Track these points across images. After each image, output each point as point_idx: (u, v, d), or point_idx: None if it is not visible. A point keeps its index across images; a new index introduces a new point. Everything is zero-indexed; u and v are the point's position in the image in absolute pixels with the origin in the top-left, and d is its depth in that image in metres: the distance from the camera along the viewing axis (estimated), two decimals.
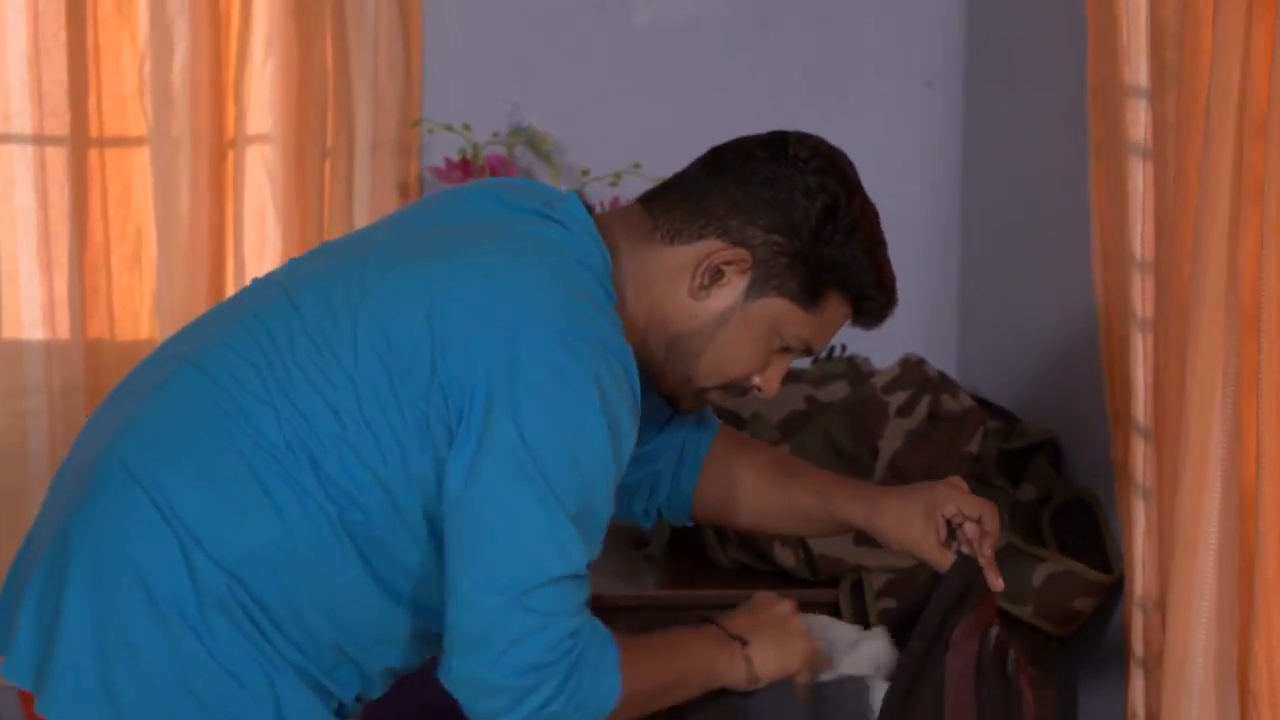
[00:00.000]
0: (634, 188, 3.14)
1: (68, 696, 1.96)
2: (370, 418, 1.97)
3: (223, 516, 1.97)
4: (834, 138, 2.14)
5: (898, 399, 3.22)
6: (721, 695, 2.13)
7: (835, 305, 2.10)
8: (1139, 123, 2.80)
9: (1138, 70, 2.79)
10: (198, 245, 3.41)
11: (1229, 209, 2.40)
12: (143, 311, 3.45)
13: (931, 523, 2.20)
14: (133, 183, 3.44)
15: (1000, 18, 3.53)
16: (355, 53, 3.43)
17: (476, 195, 2.14)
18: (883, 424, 3.20)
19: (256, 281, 2.15)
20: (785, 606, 2.18)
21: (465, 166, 3.42)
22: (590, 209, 2.11)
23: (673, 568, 3.16)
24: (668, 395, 2.15)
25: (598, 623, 2.00)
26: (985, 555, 2.19)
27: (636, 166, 3.39)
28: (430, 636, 2.06)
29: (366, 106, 3.43)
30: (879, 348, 3.36)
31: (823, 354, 3.37)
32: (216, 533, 1.96)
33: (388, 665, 2.07)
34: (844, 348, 3.38)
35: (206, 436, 1.98)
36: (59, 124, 3.37)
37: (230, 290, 3.42)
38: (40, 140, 3.38)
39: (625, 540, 3.21)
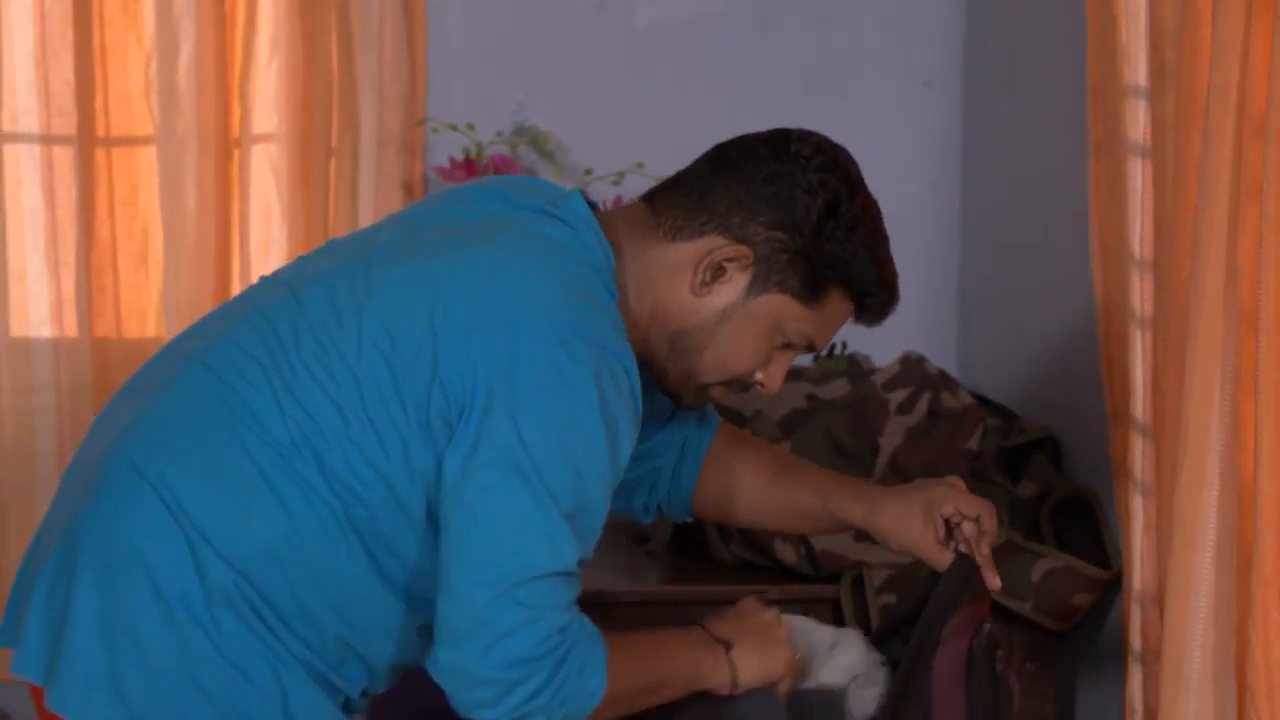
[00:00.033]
0: (636, 187, 3.14)
1: (77, 692, 1.96)
2: (374, 415, 1.97)
3: (229, 513, 1.97)
4: (834, 137, 2.14)
5: (898, 396, 3.22)
6: (703, 697, 2.14)
7: (837, 302, 2.10)
8: (1138, 122, 2.80)
9: (1137, 70, 2.79)
10: (204, 244, 3.41)
11: (1228, 208, 2.40)
12: (149, 310, 3.46)
13: (930, 522, 2.21)
14: (139, 182, 3.44)
15: (1000, 18, 3.53)
16: (360, 53, 3.43)
17: (481, 193, 2.14)
18: (883, 421, 3.20)
19: (263, 279, 2.15)
20: (770, 615, 2.19)
21: (469, 166, 3.42)
22: (594, 206, 2.12)
23: (675, 564, 3.16)
24: (670, 391, 2.15)
25: (586, 620, 2.00)
26: (983, 554, 2.19)
27: (639, 165, 3.39)
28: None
29: (371, 106, 3.43)
30: (879, 346, 3.36)
31: (823, 352, 3.37)
32: (223, 529, 1.96)
33: (393, 660, 2.07)
34: (844, 346, 3.38)
35: (213, 434, 1.98)
36: (66, 124, 3.37)
37: (236, 289, 3.42)
38: (47, 140, 3.38)
39: (628, 536, 3.21)
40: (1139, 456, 2.83)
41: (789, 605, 3.01)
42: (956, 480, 2.23)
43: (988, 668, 2.17)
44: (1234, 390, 2.43)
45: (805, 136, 2.10)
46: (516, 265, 2.00)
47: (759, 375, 2.13)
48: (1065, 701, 3.18)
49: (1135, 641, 2.85)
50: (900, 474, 3.13)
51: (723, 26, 3.60)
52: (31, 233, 3.39)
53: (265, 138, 3.44)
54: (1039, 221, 3.35)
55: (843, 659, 2.19)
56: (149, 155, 3.42)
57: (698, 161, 2.13)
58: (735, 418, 3.24)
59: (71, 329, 3.40)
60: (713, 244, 2.07)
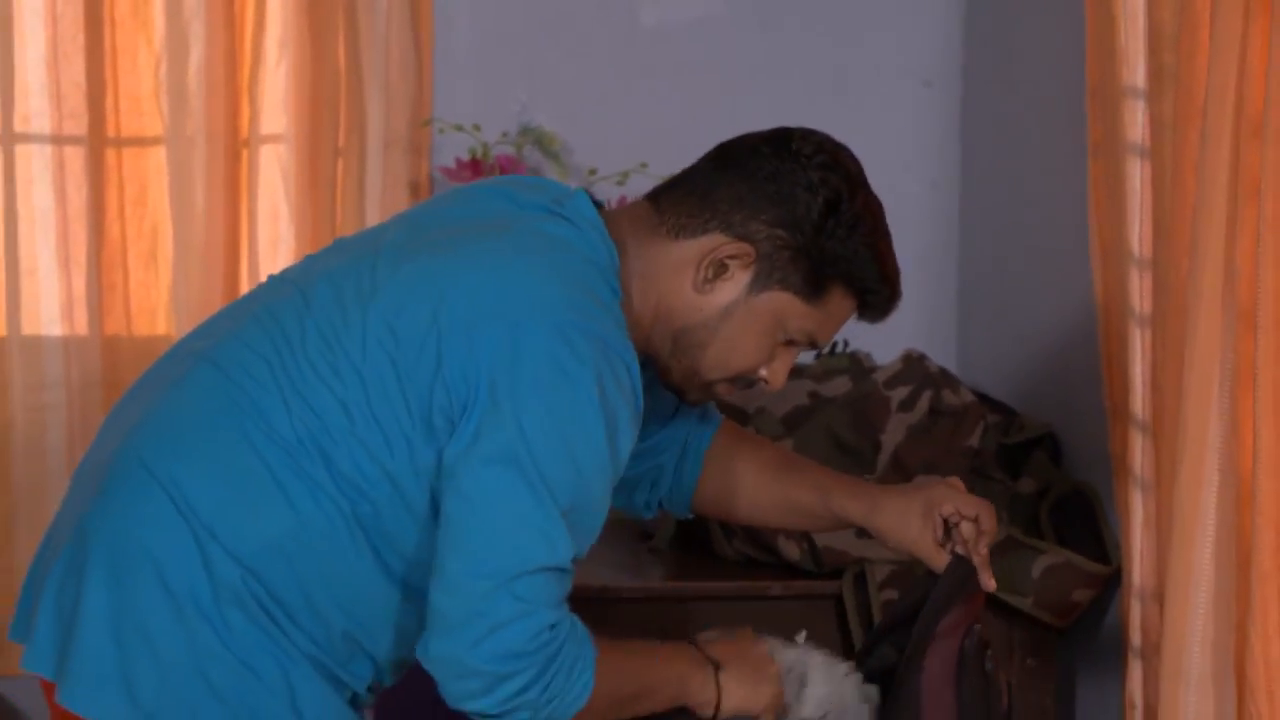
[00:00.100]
0: (640, 186, 3.13)
1: (87, 687, 1.96)
2: (378, 413, 1.97)
3: (237, 510, 1.96)
4: (835, 136, 2.13)
5: (899, 394, 3.21)
6: (683, 713, 2.13)
7: (839, 298, 2.09)
8: (1137, 123, 2.80)
9: (1135, 71, 2.79)
10: (213, 243, 3.40)
11: (1225, 207, 2.40)
12: (159, 308, 3.45)
13: (929, 522, 2.20)
14: (149, 182, 3.44)
15: (999, 19, 3.52)
16: (367, 54, 3.42)
17: (487, 192, 2.13)
18: (885, 419, 3.19)
19: (272, 278, 2.14)
20: (763, 649, 2.18)
21: (475, 166, 3.42)
22: (599, 205, 2.11)
23: (678, 560, 3.15)
24: (674, 388, 2.14)
25: (577, 620, 1.99)
26: (980, 554, 2.19)
27: (643, 165, 3.38)
28: None
29: (378, 107, 3.43)
30: (881, 343, 3.36)
31: (825, 350, 3.37)
32: (231, 527, 1.96)
33: (399, 655, 2.07)
34: (846, 344, 3.38)
35: (221, 432, 1.98)
36: (77, 124, 3.37)
37: (244, 287, 3.42)
38: (59, 140, 3.37)
39: (631, 533, 3.20)
40: (1138, 453, 2.82)
41: (792, 601, 3.03)
42: (956, 480, 2.23)
43: (978, 666, 2.16)
44: (1233, 387, 2.43)
45: (807, 135, 2.10)
46: (520, 263, 2.00)
47: (762, 372, 2.12)
48: (1065, 696, 3.17)
49: (1135, 637, 2.84)
50: (902, 471, 3.13)
51: (725, 28, 3.60)
52: (43, 232, 3.38)
53: (273, 138, 3.44)
54: (1038, 221, 3.35)
55: (819, 689, 2.17)
56: (159, 155, 3.42)
57: (701, 160, 2.12)
58: (738, 415, 3.24)
59: (82, 327, 3.40)
60: (715, 242, 2.06)
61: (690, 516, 2.38)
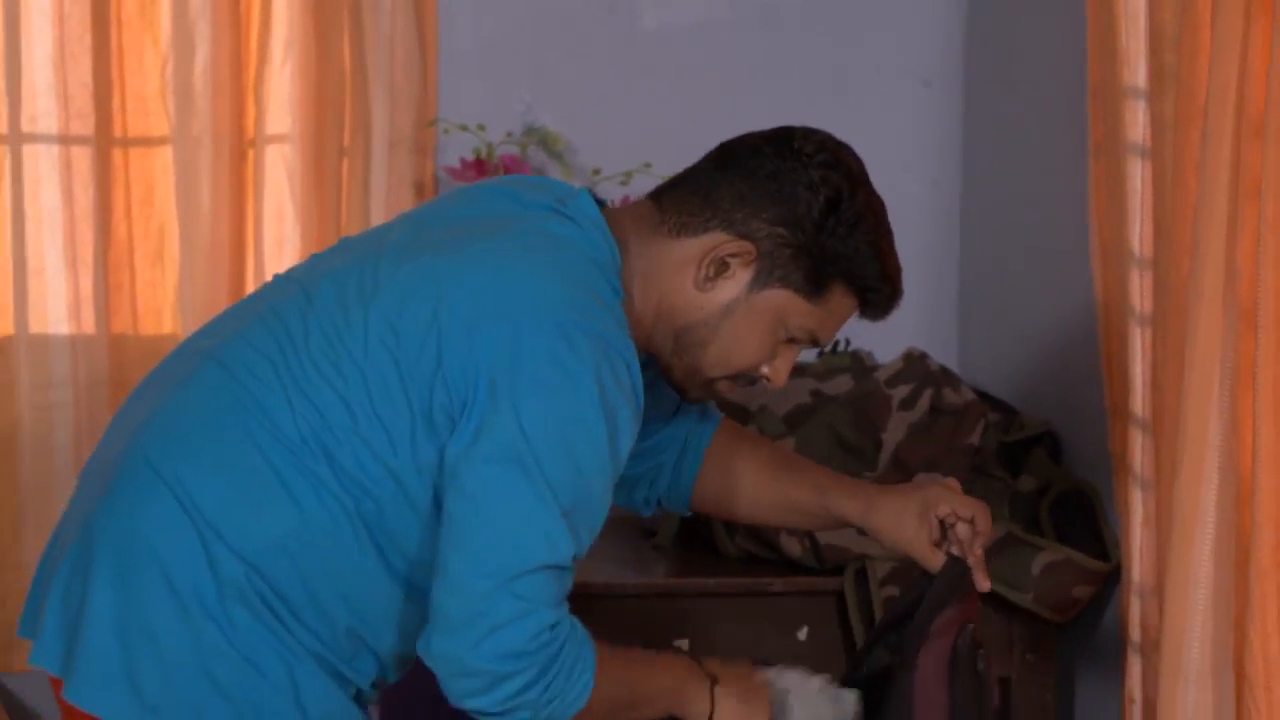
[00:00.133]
0: (644, 186, 3.13)
1: (93, 685, 1.96)
2: (381, 411, 1.96)
3: (242, 509, 1.96)
4: (836, 136, 2.13)
5: (900, 392, 3.21)
6: None
7: (840, 296, 2.08)
8: (1138, 123, 2.80)
9: (1136, 71, 2.79)
10: (219, 243, 3.40)
11: (1226, 207, 2.40)
12: (165, 307, 3.45)
13: (925, 522, 2.19)
14: (155, 182, 3.43)
15: (1000, 19, 3.52)
16: (372, 54, 3.42)
17: (491, 192, 2.13)
18: (886, 417, 3.19)
19: (277, 278, 2.14)
20: (762, 679, 2.17)
21: (479, 166, 3.41)
22: (602, 204, 2.11)
23: (681, 557, 3.15)
24: (676, 386, 2.14)
25: (577, 622, 1.99)
26: (975, 555, 2.18)
27: (646, 165, 3.38)
28: None
29: (383, 107, 3.43)
30: (882, 342, 3.36)
31: (827, 349, 3.37)
32: (236, 524, 1.96)
33: (402, 651, 2.06)
34: (848, 342, 3.38)
35: (226, 431, 1.98)
36: (84, 124, 3.36)
37: (250, 286, 3.42)
38: (66, 140, 3.37)
39: (634, 530, 3.20)
40: (1138, 451, 2.82)
41: (794, 597, 3.03)
42: (953, 482, 2.22)
43: (970, 666, 2.16)
44: (1233, 386, 2.43)
45: (809, 134, 2.09)
46: (521, 262, 1.99)
47: (764, 370, 2.11)
48: (1065, 692, 3.17)
49: (1134, 633, 2.84)
50: (903, 468, 3.13)
51: (726, 29, 3.60)
52: (50, 231, 3.38)
53: (279, 138, 3.44)
54: (1039, 221, 3.35)
55: (806, 712, 2.17)
56: (165, 155, 3.41)
57: (703, 159, 2.11)
58: (740, 413, 3.24)
59: (89, 326, 3.39)
60: (716, 240, 2.06)
61: (689, 514, 2.37)
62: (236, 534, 1.95)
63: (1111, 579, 3.01)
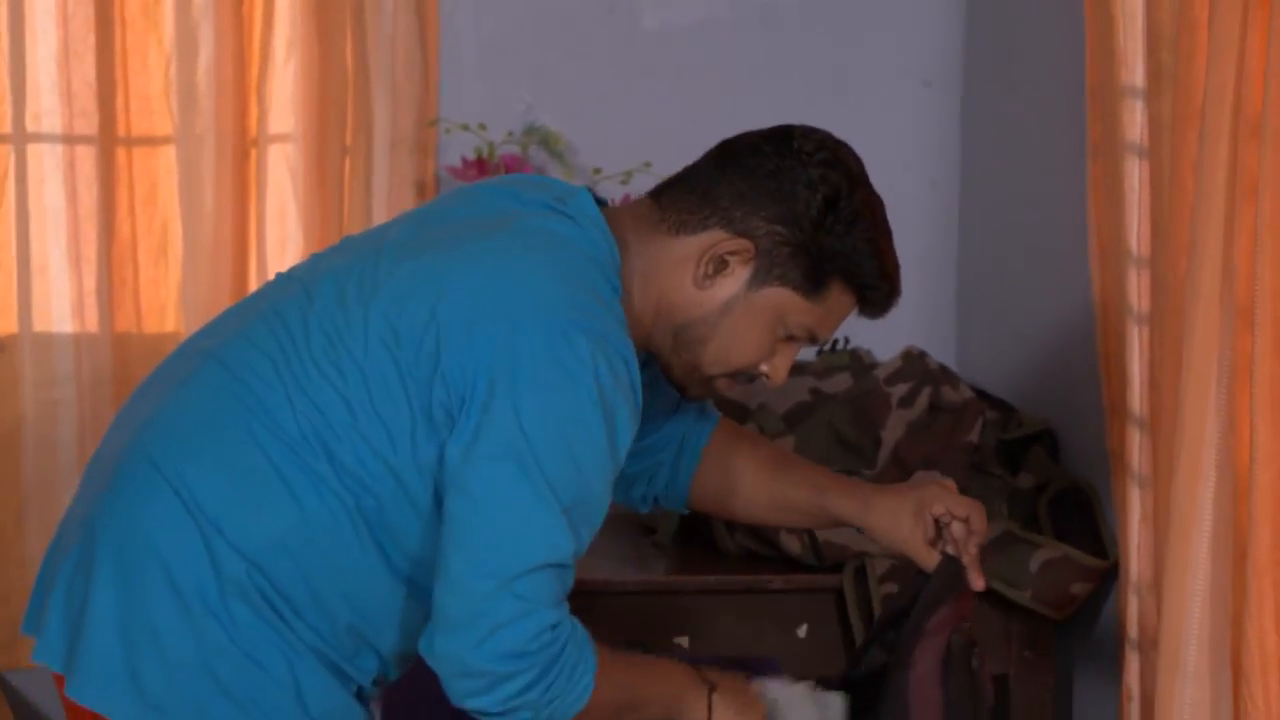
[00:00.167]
0: (644, 186, 3.12)
1: (95, 682, 1.96)
2: (381, 409, 1.96)
3: (243, 506, 1.96)
4: (836, 135, 2.13)
5: (899, 390, 3.21)
6: None
7: (838, 294, 2.07)
8: (1135, 123, 2.80)
9: (1134, 72, 2.79)
10: (221, 241, 3.40)
11: (1224, 207, 2.39)
12: (168, 305, 3.45)
13: (920, 521, 2.19)
14: (159, 181, 3.43)
15: (999, 20, 3.52)
16: (374, 55, 3.42)
17: (492, 191, 2.13)
18: (885, 415, 3.19)
19: (279, 276, 2.14)
20: (758, 690, 2.16)
21: (480, 165, 3.41)
22: (602, 203, 2.11)
23: (681, 554, 3.15)
24: (676, 383, 2.13)
25: (579, 624, 1.98)
26: (970, 554, 2.18)
27: (647, 165, 3.38)
28: None
29: (385, 107, 3.43)
30: (881, 341, 3.36)
31: (826, 347, 3.37)
32: (237, 522, 1.95)
33: (403, 648, 2.06)
34: (847, 341, 3.38)
35: (227, 430, 1.97)
36: (88, 124, 3.36)
37: (253, 285, 3.42)
38: (70, 139, 3.37)
39: (634, 527, 3.20)
40: (1136, 449, 2.82)
41: (793, 594, 3.03)
42: (948, 481, 2.22)
43: (964, 664, 2.15)
44: (1230, 384, 2.43)
45: (808, 133, 2.09)
46: (520, 261, 1.99)
47: (763, 367, 2.11)
48: (1063, 689, 3.17)
49: (1132, 629, 2.84)
50: (901, 466, 3.13)
51: (726, 29, 3.60)
52: (54, 230, 3.38)
53: (281, 137, 3.43)
54: (1038, 220, 3.35)
55: (796, 717, 2.17)
56: (168, 155, 3.41)
57: (703, 158, 2.11)
58: (741, 411, 3.24)
59: (93, 324, 3.39)
60: (715, 238, 2.05)
61: (686, 511, 2.37)
62: (237, 531, 1.95)
63: (1109, 576, 3.01)
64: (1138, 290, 2.79)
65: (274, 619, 1.97)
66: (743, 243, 2.05)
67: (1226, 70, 2.36)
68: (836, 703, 2.16)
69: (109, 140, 3.37)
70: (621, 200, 3.38)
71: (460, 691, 1.94)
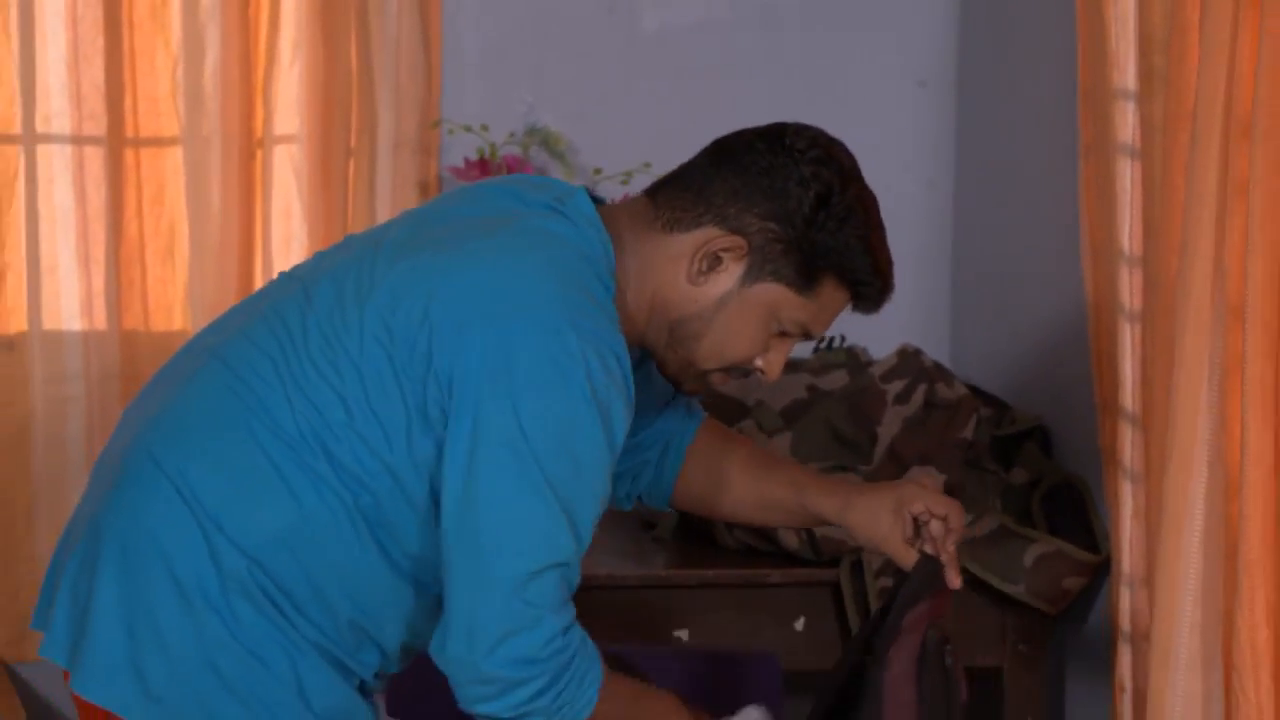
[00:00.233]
0: (644, 186, 3.14)
1: (99, 676, 1.96)
2: (377, 408, 1.95)
3: (242, 504, 1.95)
4: (833, 135, 2.13)
5: (895, 387, 3.21)
6: None
7: (831, 290, 2.06)
8: (1127, 124, 2.79)
9: (1126, 74, 2.79)
10: (228, 241, 3.40)
11: (1215, 207, 2.39)
12: (175, 304, 3.45)
13: (899, 519, 2.17)
14: (166, 181, 3.43)
15: (994, 21, 3.52)
16: (378, 57, 3.42)
17: (494, 191, 2.12)
18: (881, 411, 3.19)
19: (282, 275, 2.13)
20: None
21: (483, 166, 3.41)
22: (600, 202, 2.10)
23: (680, 549, 3.14)
24: (671, 379, 2.12)
25: (585, 634, 1.97)
26: (948, 552, 2.16)
27: (647, 165, 3.38)
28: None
29: (389, 108, 3.43)
30: (877, 338, 3.35)
31: (823, 344, 3.37)
32: (237, 519, 1.95)
33: (404, 642, 2.05)
34: (843, 338, 3.38)
35: (228, 428, 1.97)
36: (96, 125, 3.36)
37: (258, 284, 3.42)
38: (78, 141, 3.36)
39: (634, 522, 3.20)
40: (1128, 445, 2.82)
41: (791, 588, 3.03)
42: (928, 480, 2.22)
43: (938, 662, 2.15)
44: (1221, 381, 2.43)
45: (801, 130, 2.07)
46: (513, 261, 1.98)
47: (758, 362, 2.09)
48: (1056, 681, 3.17)
49: (1125, 623, 2.84)
50: (897, 462, 3.12)
51: (725, 31, 3.60)
52: (63, 230, 3.38)
53: (287, 139, 3.43)
54: (1031, 219, 3.34)
55: None
56: (175, 155, 3.41)
57: (698, 156, 2.10)
58: (738, 407, 3.24)
59: (101, 322, 3.39)
60: (709, 235, 2.04)
61: (669, 509, 2.35)
62: (237, 529, 1.95)
63: (1102, 570, 3.01)
64: (1130, 289, 2.79)
65: (275, 615, 1.96)
66: (736, 239, 2.04)
67: (1217, 72, 2.36)
68: None
69: (117, 141, 3.37)
70: (621, 200, 3.38)
71: (471, 697, 1.94)
